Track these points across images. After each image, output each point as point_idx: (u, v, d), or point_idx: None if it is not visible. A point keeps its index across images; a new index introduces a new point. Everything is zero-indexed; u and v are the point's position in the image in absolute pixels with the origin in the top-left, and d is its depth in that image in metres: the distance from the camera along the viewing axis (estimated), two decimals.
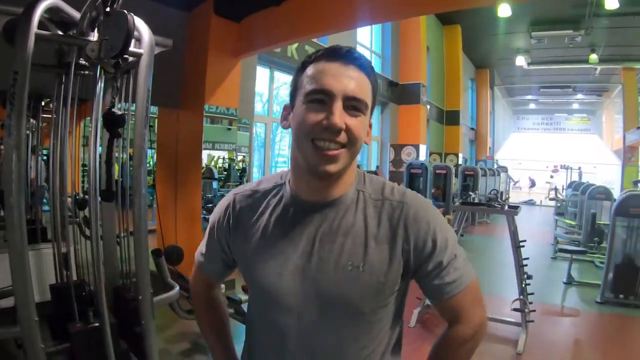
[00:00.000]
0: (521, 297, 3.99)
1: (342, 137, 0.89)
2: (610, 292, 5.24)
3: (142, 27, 1.95)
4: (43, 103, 3.61)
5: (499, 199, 13.02)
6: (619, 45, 13.49)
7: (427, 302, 4.47)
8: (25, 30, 1.67)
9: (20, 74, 1.65)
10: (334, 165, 0.90)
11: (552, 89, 21.07)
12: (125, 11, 1.72)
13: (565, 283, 5.99)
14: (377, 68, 12.01)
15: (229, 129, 5.62)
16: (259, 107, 7.96)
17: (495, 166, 17.37)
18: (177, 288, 2.34)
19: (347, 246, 0.94)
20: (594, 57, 14.07)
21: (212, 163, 8.14)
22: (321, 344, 0.96)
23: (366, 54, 11.47)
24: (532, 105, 26.54)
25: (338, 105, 0.88)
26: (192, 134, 5.18)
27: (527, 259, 4.18)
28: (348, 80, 0.89)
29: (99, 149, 1.89)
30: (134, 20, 1.72)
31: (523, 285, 4.04)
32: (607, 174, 19.98)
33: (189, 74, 5.23)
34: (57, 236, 2.21)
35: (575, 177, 17.97)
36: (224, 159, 7.55)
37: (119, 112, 1.72)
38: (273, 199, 1.05)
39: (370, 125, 0.98)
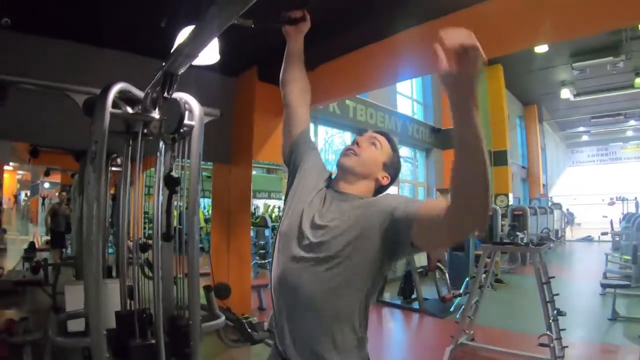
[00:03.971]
0: (548, 332, 4.02)
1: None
2: None
3: (193, 103, 2.40)
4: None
5: (551, 238, 12.81)
6: None
7: (460, 340, 4.63)
8: (102, 109, 2.13)
9: (99, 142, 2.10)
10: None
11: (603, 118, 20.57)
12: (179, 98, 2.21)
13: (610, 319, 5.81)
14: (420, 116, 12.32)
15: (282, 180, 6.09)
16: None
17: (550, 204, 16.98)
18: (223, 318, 2.74)
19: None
20: (639, 81, 13.81)
21: (268, 212, 8.55)
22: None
23: (407, 103, 11.80)
24: (585, 137, 25.90)
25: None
26: (242, 186, 5.71)
27: (557, 294, 4.28)
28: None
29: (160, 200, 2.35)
30: (185, 106, 2.22)
31: (550, 321, 4.10)
32: None
33: (238, 132, 5.79)
34: (123, 272, 2.62)
35: (633, 209, 17.27)
36: (279, 208, 7.89)
37: (176, 175, 2.17)
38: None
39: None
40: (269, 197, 6.27)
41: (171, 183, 2.14)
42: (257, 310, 6.06)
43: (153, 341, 2.22)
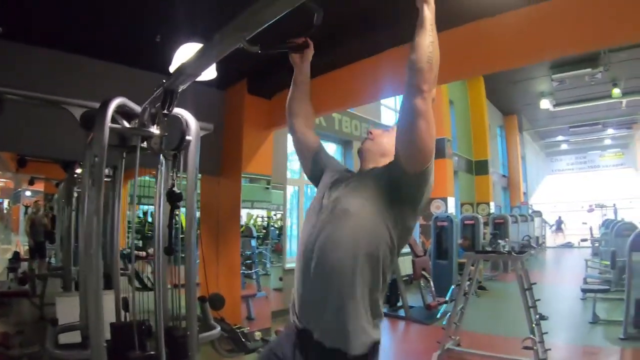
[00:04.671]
0: (531, 336, 4.15)
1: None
2: (633, 328, 5.16)
3: (190, 119, 2.47)
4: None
5: (532, 245, 13.05)
6: None
7: (447, 345, 4.77)
8: (102, 124, 2.17)
9: (99, 156, 2.14)
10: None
11: (582, 127, 21.01)
12: (180, 115, 2.25)
13: (591, 323, 5.95)
14: None
15: (267, 188, 6.13)
16: (295, 165, 8.47)
17: (530, 211, 17.24)
18: (219, 328, 2.81)
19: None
20: (616, 91, 14.12)
21: (252, 222, 8.50)
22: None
23: (391, 114, 11.83)
24: (564, 146, 26.43)
25: None
26: (231, 197, 5.75)
27: (539, 300, 4.40)
28: None
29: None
30: (187, 122, 2.27)
31: (533, 325, 4.24)
32: None
33: (228, 144, 5.85)
34: (117, 284, 2.66)
35: (611, 215, 17.63)
36: (262, 217, 7.91)
37: (178, 191, 2.23)
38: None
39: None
40: (252, 207, 6.29)
41: (173, 198, 2.19)
42: (246, 320, 6.07)
43: (152, 352, 2.26)
